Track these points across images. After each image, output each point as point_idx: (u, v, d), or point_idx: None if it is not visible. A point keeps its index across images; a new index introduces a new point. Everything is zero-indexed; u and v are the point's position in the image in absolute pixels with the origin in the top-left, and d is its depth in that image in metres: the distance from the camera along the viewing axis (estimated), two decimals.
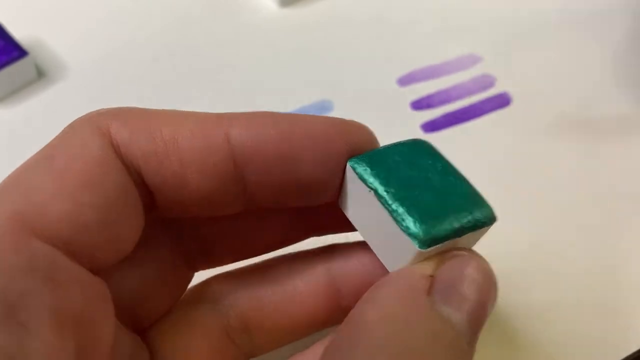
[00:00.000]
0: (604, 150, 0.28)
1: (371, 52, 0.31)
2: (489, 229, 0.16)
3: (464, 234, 0.15)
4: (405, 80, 0.30)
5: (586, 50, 0.32)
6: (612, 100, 0.30)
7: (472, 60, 0.31)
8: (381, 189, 0.15)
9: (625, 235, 0.25)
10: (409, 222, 0.15)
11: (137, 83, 0.30)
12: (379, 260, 0.16)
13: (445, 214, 0.15)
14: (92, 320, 0.14)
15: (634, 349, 0.23)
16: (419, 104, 0.29)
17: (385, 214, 0.15)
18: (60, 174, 0.14)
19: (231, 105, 0.29)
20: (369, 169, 0.16)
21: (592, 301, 0.24)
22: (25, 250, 0.13)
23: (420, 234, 0.15)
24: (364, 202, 0.16)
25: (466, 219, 0.15)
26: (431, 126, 0.28)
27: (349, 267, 0.18)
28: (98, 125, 0.15)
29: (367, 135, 0.17)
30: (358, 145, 0.16)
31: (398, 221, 0.15)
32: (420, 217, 0.15)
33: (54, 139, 0.15)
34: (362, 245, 0.18)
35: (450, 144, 0.28)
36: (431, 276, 0.15)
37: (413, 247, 0.15)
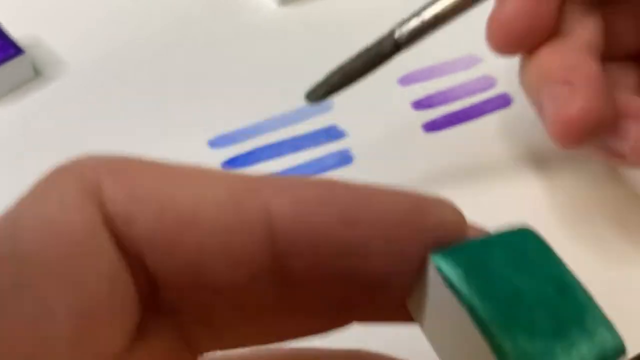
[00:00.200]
0: None
1: None
2: None
3: None
4: (406, 80, 0.30)
5: None
6: None
7: (472, 60, 0.31)
8: (481, 309, 0.11)
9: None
10: None
11: (135, 82, 0.30)
12: None
13: (566, 346, 0.11)
14: None
15: (630, 355, 0.22)
16: (420, 104, 0.29)
17: (481, 341, 0.11)
18: (23, 257, 0.10)
19: (231, 103, 0.29)
20: (462, 274, 0.11)
21: None
22: None
23: None
24: (449, 315, 0.12)
25: (592, 353, 0.11)
26: (432, 126, 0.28)
27: None
28: (84, 181, 0.11)
29: (455, 217, 0.12)
30: (443, 233, 0.12)
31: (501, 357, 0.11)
32: (533, 355, 0.11)
33: (25, 196, 0.11)
34: None
35: (451, 145, 0.28)
36: None
37: None
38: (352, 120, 0.28)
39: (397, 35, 0.22)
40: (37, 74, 0.30)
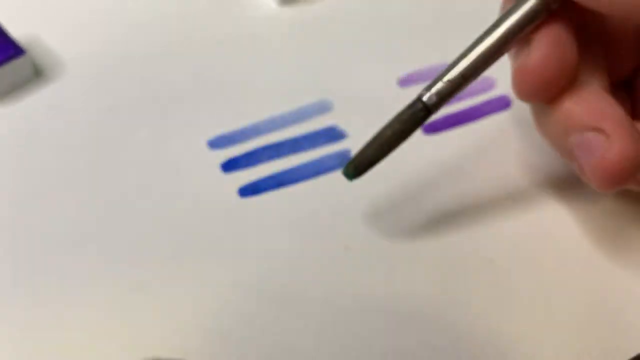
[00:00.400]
0: None
1: (371, 52, 0.31)
2: None
3: None
4: (406, 81, 0.30)
5: None
6: None
7: None
8: None
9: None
10: None
11: (135, 82, 0.30)
12: None
13: None
14: None
15: (630, 356, 0.23)
16: None
17: None
18: None
19: (231, 103, 0.29)
20: None
21: (590, 306, 0.24)
22: None
23: None
24: None
25: None
26: (432, 128, 0.28)
27: None
28: None
29: None
30: None
31: None
32: None
33: None
34: None
35: (451, 146, 0.28)
36: None
37: None
38: (353, 120, 0.28)
39: (425, 98, 0.22)
40: (37, 74, 0.30)
